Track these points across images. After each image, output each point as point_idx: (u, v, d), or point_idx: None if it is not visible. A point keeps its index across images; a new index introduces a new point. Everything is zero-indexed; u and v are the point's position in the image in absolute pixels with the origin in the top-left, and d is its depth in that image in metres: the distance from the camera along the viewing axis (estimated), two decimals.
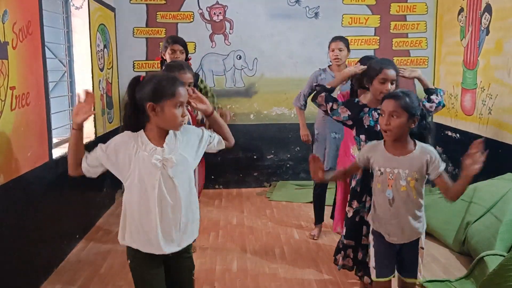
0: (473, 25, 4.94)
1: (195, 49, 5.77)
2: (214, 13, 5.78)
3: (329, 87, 2.94)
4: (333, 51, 4.11)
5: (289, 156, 6.03)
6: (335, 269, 3.56)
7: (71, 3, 4.47)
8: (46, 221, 3.46)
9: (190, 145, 2.09)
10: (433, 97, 2.89)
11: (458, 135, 5.29)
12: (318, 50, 5.84)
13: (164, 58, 3.72)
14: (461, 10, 5.23)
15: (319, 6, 5.83)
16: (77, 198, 4.19)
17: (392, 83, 2.73)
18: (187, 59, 3.79)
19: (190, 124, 2.80)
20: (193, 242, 2.25)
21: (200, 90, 3.83)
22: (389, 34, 5.92)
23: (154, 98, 1.95)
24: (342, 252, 3.03)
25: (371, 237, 2.54)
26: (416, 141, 2.36)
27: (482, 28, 4.75)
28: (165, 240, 2.03)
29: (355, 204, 2.93)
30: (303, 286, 3.34)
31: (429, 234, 4.18)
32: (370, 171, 2.64)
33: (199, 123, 3.02)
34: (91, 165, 2.06)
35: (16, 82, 3.00)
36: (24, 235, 3.11)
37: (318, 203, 4.30)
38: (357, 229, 2.93)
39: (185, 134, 2.10)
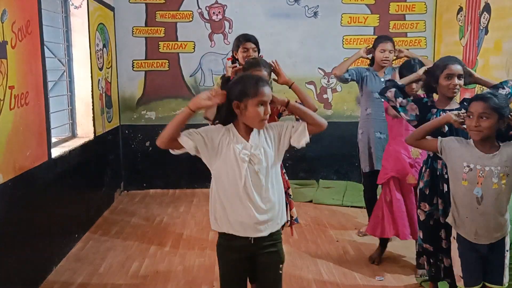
0: (472, 24, 4.95)
1: (194, 48, 5.77)
2: (213, 12, 5.78)
3: (400, 83, 2.89)
4: (384, 51, 3.92)
5: (288, 155, 5.97)
6: (334, 269, 3.58)
7: (70, 3, 4.46)
8: (45, 220, 3.46)
9: (272, 140, 2.20)
10: (500, 91, 2.78)
11: None
12: (317, 50, 5.85)
13: (236, 57, 3.64)
14: (460, 9, 5.23)
15: (318, 6, 5.83)
16: (76, 197, 4.19)
17: (459, 78, 2.70)
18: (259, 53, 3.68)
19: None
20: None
21: None
22: (388, 34, 5.88)
23: (239, 97, 2.09)
24: (424, 256, 2.96)
25: (455, 244, 2.48)
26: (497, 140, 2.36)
27: (481, 28, 4.75)
28: (248, 224, 2.15)
29: (426, 207, 2.86)
30: (302, 285, 3.35)
31: None
32: (438, 172, 2.67)
33: (282, 113, 2.99)
34: (188, 144, 2.09)
35: (15, 82, 3.00)
36: (23, 234, 3.11)
37: (369, 207, 4.10)
38: (435, 233, 2.85)
39: (268, 130, 2.21)
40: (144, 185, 5.85)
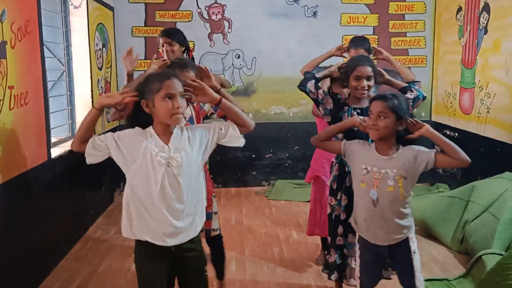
0: (472, 24, 4.95)
1: (193, 48, 5.77)
2: (213, 12, 5.78)
3: (317, 76, 2.92)
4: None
5: (287, 155, 6.03)
6: None
7: (70, 2, 4.46)
8: (45, 220, 3.46)
9: (196, 142, 2.12)
10: (407, 94, 2.82)
11: (456, 134, 5.30)
12: (316, 49, 5.80)
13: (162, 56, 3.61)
14: (460, 9, 5.23)
15: (317, 5, 5.83)
16: (76, 197, 4.19)
17: (368, 80, 2.72)
18: (188, 51, 3.62)
19: (193, 120, 2.75)
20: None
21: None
22: (388, 33, 5.93)
23: (146, 95, 2.03)
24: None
25: (357, 246, 2.52)
26: (399, 145, 2.34)
27: (481, 27, 4.76)
28: (167, 231, 2.06)
29: (332, 201, 2.94)
30: (301, 285, 3.35)
31: (428, 233, 4.19)
32: (346, 168, 2.71)
33: (208, 117, 2.96)
34: (97, 149, 2.07)
35: (14, 82, 3.00)
36: (22, 234, 3.11)
37: None
38: (334, 227, 2.93)
39: (192, 131, 2.14)
40: None
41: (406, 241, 2.37)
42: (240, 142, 2.17)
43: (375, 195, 2.32)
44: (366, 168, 2.35)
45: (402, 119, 2.28)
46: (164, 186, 2.03)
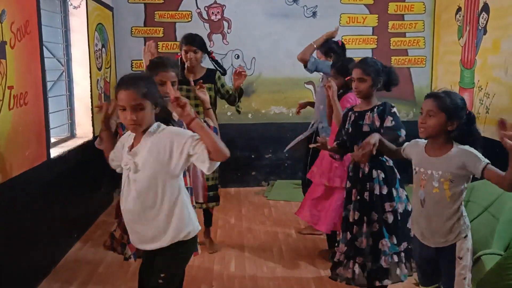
0: (471, 24, 4.96)
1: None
2: (212, 12, 5.78)
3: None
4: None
5: (287, 155, 6.03)
6: None
7: (69, 3, 4.46)
8: (44, 220, 3.46)
9: (159, 149, 1.99)
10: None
11: None
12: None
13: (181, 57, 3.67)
14: (459, 9, 5.24)
15: (317, 6, 5.84)
16: (75, 197, 4.19)
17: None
18: (209, 53, 3.75)
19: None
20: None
21: (218, 89, 3.86)
22: (387, 34, 5.93)
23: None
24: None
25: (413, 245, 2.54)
26: (455, 143, 2.26)
27: (480, 28, 4.76)
28: (135, 238, 2.19)
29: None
30: (301, 285, 3.35)
31: None
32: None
33: None
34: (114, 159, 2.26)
35: (14, 82, 3.00)
36: (22, 234, 3.11)
37: None
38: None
39: (158, 136, 2.03)
40: None
41: (454, 245, 2.31)
42: (203, 167, 1.95)
43: (423, 195, 2.30)
44: (415, 169, 2.34)
45: (453, 119, 2.21)
46: (126, 191, 2.08)
